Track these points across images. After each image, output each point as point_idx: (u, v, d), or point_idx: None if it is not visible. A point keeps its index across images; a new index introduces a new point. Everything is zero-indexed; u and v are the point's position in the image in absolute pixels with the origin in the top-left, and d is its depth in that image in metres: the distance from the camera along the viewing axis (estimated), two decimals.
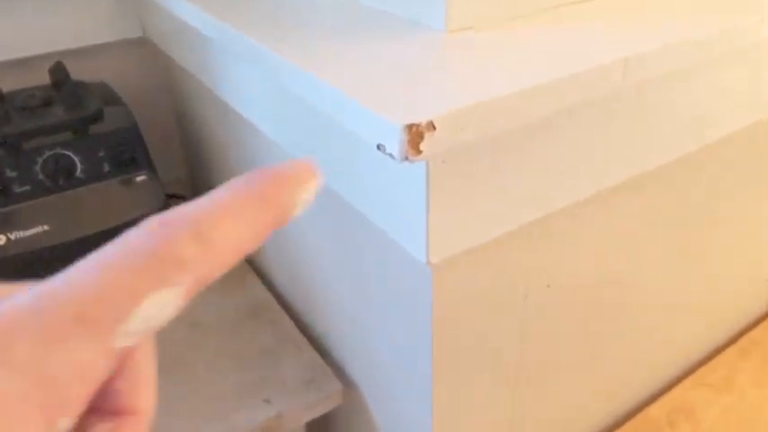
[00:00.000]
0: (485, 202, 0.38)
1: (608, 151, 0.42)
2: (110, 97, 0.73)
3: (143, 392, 0.17)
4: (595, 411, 0.63)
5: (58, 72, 0.71)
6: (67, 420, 0.12)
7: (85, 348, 0.12)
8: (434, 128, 0.29)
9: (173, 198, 0.84)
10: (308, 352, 0.63)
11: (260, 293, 0.71)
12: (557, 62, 0.34)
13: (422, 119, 0.28)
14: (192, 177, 0.89)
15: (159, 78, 0.82)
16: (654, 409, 0.67)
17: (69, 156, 0.65)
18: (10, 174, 0.63)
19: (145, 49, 0.80)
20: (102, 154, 0.66)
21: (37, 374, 0.12)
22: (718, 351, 0.75)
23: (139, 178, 0.68)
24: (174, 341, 0.65)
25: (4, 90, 0.70)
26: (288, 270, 0.68)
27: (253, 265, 0.76)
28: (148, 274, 0.13)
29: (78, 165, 0.65)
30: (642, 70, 0.35)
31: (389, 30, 0.41)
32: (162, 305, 0.13)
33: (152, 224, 0.14)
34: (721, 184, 0.57)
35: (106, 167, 0.66)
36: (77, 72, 0.76)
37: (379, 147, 0.30)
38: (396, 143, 0.28)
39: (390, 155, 0.29)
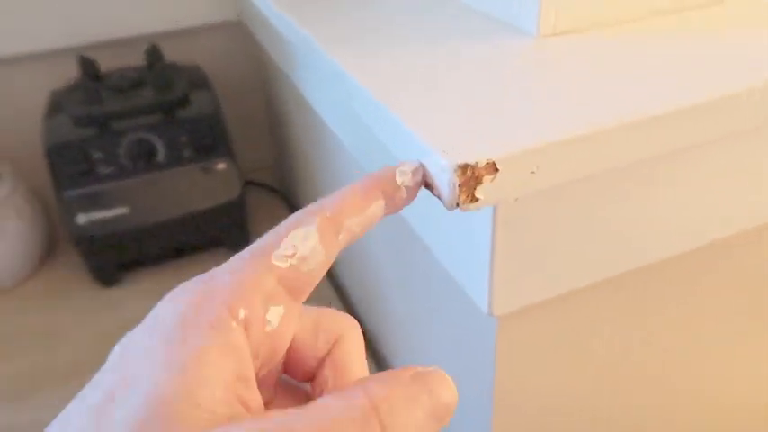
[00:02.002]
0: (564, 252, 0.30)
1: (720, 200, 0.33)
2: (199, 81, 0.70)
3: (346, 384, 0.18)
4: None
5: (153, 54, 0.69)
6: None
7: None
8: (496, 170, 0.22)
9: (253, 185, 0.82)
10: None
11: (329, 294, 0.66)
12: (675, 87, 0.25)
13: (480, 157, 0.21)
14: (278, 166, 0.86)
15: (254, 63, 0.79)
16: None
17: (151, 139, 0.63)
18: (96, 155, 0.62)
19: (242, 33, 0.76)
20: (183, 139, 0.64)
21: None
22: None
23: (218, 166, 0.65)
24: None
25: (104, 69, 0.70)
26: (359, 286, 0.63)
27: (332, 281, 0.72)
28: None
29: (159, 149, 0.63)
30: None
31: (470, 33, 0.33)
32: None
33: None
34: None
35: (186, 153, 0.64)
36: (176, 54, 0.74)
37: (426, 186, 0.23)
38: (445, 186, 0.22)
39: (439, 198, 0.23)
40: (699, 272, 0.37)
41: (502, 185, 0.22)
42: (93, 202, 0.62)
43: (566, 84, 0.26)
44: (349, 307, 0.67)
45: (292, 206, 0.80)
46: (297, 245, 0.18)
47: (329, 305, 0.20)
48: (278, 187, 0.83)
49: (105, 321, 0.64)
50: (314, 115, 0.56)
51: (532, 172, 0.22)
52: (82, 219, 0.62)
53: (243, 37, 0.77)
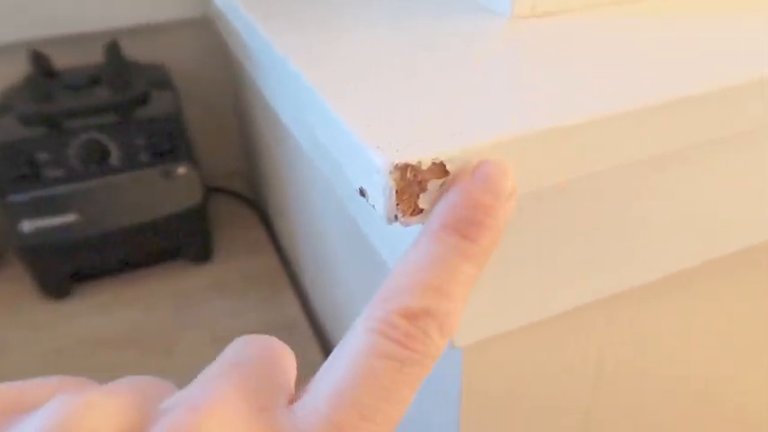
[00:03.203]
0: (534, 275, 0.25)
1: (722, 211, 0.28)
2: (161, 80, 0.65)
3: None
4: None
5: (112, 50, 0.64)
6: None
7: None
8: (446, 172, 0.16)
9: (218, 192, 0.76)
10: None
11: (294, 312, 0.61)
12: (667, 73, 0.21)
13: (424, 156, 0.16)
14: (247, 172, 0.81)
15: (221, 63, 0.74)
16: None
17: (104, 141, 0.57)
18: (43, 156, 0.56)
19: (209, 31, 0.71)
20: (140, 141, 0.58)
21: None
22: None
23: (178, 170, 0.60)
24: (193, 352, 0.56)
25: (61, 67, 0.64)
26: (321, 292, 0.58)
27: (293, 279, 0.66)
28: (412, 381, 0.13)
29: (113, 151, 0.58)
30: None
31: (435, 14, 0.28)
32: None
33: (398, 320, 0.14)
34: None
35: (143, 156, 0.58)
36: (139, 52, 0.69)
37: (361, 192, 0.18)
38: (379, 193, 0.17)
39: (373, 207, 0.17)
40: (690, 294, 0.32)
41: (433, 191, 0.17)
42: (40, 208, 0.56)
43: (536, 70, 0.22)
44: (318, 328, 0.61)
45: (261, 214, 0.75)
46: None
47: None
48: (247, 194, 0.78)
49: (55, 337, 0.58)
50: (276, 119, 0.51)
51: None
52: (27, 226, 0.56)
53: (210, 35, 0.72)
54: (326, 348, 0.58)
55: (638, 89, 0.19)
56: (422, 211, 0.17)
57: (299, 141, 0.44)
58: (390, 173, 0.16)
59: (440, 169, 0.16)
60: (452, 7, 0.29)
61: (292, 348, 0.16)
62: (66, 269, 0.61)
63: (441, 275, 0.14)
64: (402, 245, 0.28)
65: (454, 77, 0.21)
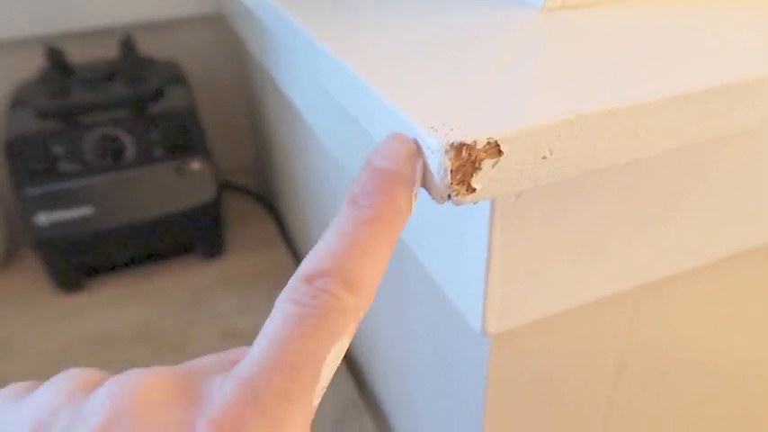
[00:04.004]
0: (570, 261, 0.25)
1: (758, 202, 0.28)
2: (175, 76, 0.65)
3: None
4: None
5: (126, 45, 0.64)
6: None
7: (295, 418, 0.14)
8: (500, 152, 0.17)
9: (232, 188, 0.76)
10: (343, 383, 0.53)
11: None
12: (706, 63, 0.21)
13: (479, 135, 0.16)
14: (258, 168, 0.81)
15: (235, 60, 0.74)
16: None
17: (119, 135, 0.57)
18: (59, 150, 0.56)
19: (223, 27, 0.71)
20: (155, 136, 0.58)
21: None
22: None
23: (192, 166, 0.60)
24: (204, 348, 0.56)
25: (76, 62, 0.64)
26: None
27: None
28: (324, 335, 0.14)
29: (128, 146, 0.58)
30: None
31: (469, 5, 0.28)
32: (338, 353, 0.15)
33: (300, 286, 0.15)
34: None
35: (158, 151, 0.58)
36: (153, 48, 0.69)
37: None
38: (434, 172, 0.17)
39: (425, 188, 0.18)
40: (719, 283, 0.33)
41: (505, 173, 0.17)
42: (56, 202, 0.56)
43: (574, 57, 0.22)
44: None
45: (272, 210, 0.75)
46: (333, 368, 0.15)
47: None
48: (257, 190, 0.78)
49: (67, 331, 0.58)
50: (295, 115, 0.51)
51: (544, 157, 0.17)
52: (42, 219, 0.56)
53: (224, 32, 0.72)
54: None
55: (677, 75, 0.19)
56: (474, 190, 0.17)
57: (318, 135, 0.44)
58: (446, 152, 0.16)
59: (494, 149, 0.17)
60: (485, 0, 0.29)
61: None
62: (79, 263, 0.61)
63: (338, 240, 0.15)
64: (427, 231, 0.28)
65: (494, 62, 0.21)
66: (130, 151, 0.58)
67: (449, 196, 0.17)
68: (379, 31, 0.26)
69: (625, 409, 0.35)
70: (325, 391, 0.15)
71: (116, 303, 0.61)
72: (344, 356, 0.56)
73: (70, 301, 0.61)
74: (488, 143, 0.16)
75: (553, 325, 0.28)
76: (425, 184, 0.17)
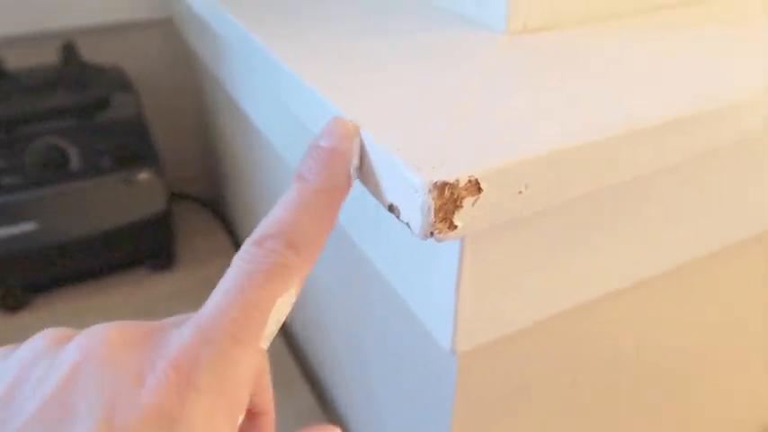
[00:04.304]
0: (536, 280, 0.26)
1: (703, 218, 0.30)
2: (121, 83, 0.63)
3: (268, 397, 0.21)
4: None
5: (68, 51, 0.62)
6: (242, 416, 0.16)
7: (246, 359, 0.16)
8: (480, 190, 0.17)
9: (181, 198, 0.74)
10: (304, 396, 0.52)
11: None
12: (666, 90, 0.22)
13: (461, 174, 0.17)
14: (209, 177, 0.79)
15: (184, 66, 0.72)
16: None
17: (63, 145, 0.55)
18: None
19: (172, 33, 0.69)
20: (101, 146, 0.56)
21: (217, 391, 0.15)
22: None
23: (141, 176, 0.58)
24: None
25: (12, 67, 0.61)
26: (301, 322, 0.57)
27: None
28: (271, 287, 0.16)
29: (73, 156, 0.55)
30: None
31: (433, 31, 0.29)
32: (285, 305, 0.17)
33: (250, 248, 0.17)
34: None
35: (104, 161, 0.56)
36: (96, 54, 0.67)
37: (391, 209, 0.18)
38: (416, 210, 0.17)
39: (407, 225, 0.18)
40: (679, 290, 0.34)
41: (484, 210, 0.18)
42: None
43: (539, 87, 0.22)
44: (293, 344, 0.61)
45: (224, 221, 0.74)
46: (280, 318, 0.17)
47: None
48: (208, 200, 0.76)
49: None
50: (248, 125, 0.50)
51: (520, 192, 0.18)
52: None
53: (172, 37, 0.70)
54: (297, 354, 0.58)
55: (637, 106, 0.21)
56: (456, 227, 0.17)
57: (277, 148, 0.43)
58: (429, 191, 0.16)
59: (475, 187, 0.17)
60: (450, 24, 0.29)
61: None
62: (24, 280, 0.58)
63: (284, 209, 0.18)
64: (395, 251, 0.28)
65: (465, 93, 0.22)
66: (75, 162, 0.56)
67: (431, 233, 0.17)
68: (345, 55, 0.26)
69: (580, 414, 0.37)
70: (272, 338, 0.17)
71: (64, 321, 0.58)
72: (306, 371, 0.56)
73: (14, 321, 0.58)
74: (469, 181, 0.17)
75: (518, 337, 0.29)
76: (408, 221, 0.17)
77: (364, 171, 0.20)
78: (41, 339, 0.18)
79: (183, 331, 0.16)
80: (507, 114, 0.20)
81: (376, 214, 0.28)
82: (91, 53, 0.66)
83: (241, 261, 0.17)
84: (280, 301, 0.16)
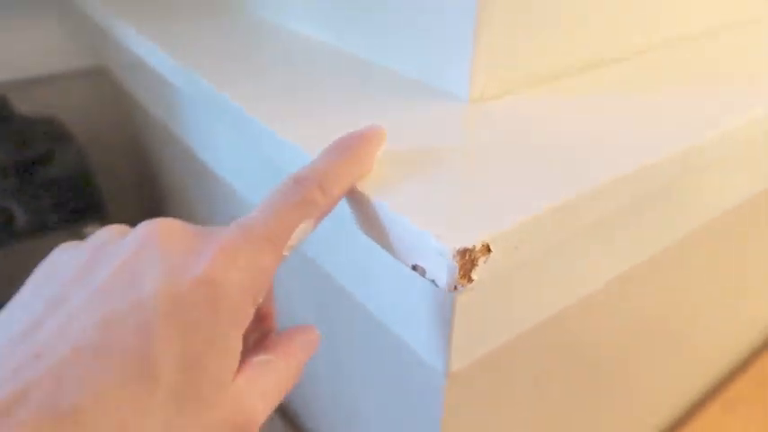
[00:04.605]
0: (514, 305, 0.31)
1: (638, 235, 0.36)
2: (59, 135, 0.62)
3: (272, 303, 0.27)
4: None
5: (1, 106, 0.61)
6: (260, 299, 0.21)
7: (271, 256, 0.21)
8: (489, 251, 0.22)
9: None
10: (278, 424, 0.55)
11: None
12: (612, 151, 0.27)
13: (476, 241, 0.21)
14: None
15: (118, 113, 0.72)
16: None
17: (7, 205, 0.54)
18: None
19: (103, 80, 0.69)
20: (46, 202, 0.56)
21: (251, 272, 0.20)
22: (699, 405, 0.70)
23: (88, 230, 0.58)
24: None
25: None
26: None
27: None
28: (299, 212, 0.21)
29: (19, 215, 0.55)
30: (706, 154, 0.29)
31: (402, 99, 0.33)
32: (304, 230, 0.22)
33: (289, 182, 0.22)
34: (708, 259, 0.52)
35: (51, 218, 0.56)
36: (26, 106, 0.65)
37: (415, 268, 0.22)
38: (443, 271, 0.21)
39: (433, 282, 0.22)
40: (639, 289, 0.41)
41: (491, 264, 0.22)
42: None
43: (514, 151, 0.27)
44: None
45: None
46: (301, 238, 0.22)
47: None
48: None
49: None
50: (201, 167, 0.52)
51: (516, 248, 0.23)
52: None
53: (106, 85, 0.70)
54: None
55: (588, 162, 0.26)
56: (473, 280, 0.22)
57: (242, 193, 0.46)
58: (454, 257, 0.21)
59: (486, 249, 0.21)
60: (414, 93, 0.34)
61: None
62: None
63: (322, 160, 0.23)
64: (380, 283, 0.32)
65: (454, 165, 0.26)
66: (21, 221, 0.55)
67: (455, 287, 0.21)
68: (313, 119, 0.30)
69: (558, 412, 0.42)
70: (291, 251, 0.21)
71: None
72: (282, 408, 0.58)
73: None
74: (483, 245, 0.21)
75: (501, 350, 0.33)
76: (435, 279, 0.22)
77: (376, 230, 0.24)
78: (107, 231, 0.22)
79: (229, 228, 0.20)
80: (492, 181, 0.25)
81: (367, 257, 0.32)
82: (25, 106, 0.65)
83: (279, 190, 0.22)
84: (302, 225, 0.21)
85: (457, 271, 0.21)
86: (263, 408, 0.21)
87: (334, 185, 0.23)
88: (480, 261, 0.21)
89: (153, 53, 0.42)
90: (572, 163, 0.26)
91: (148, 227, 0.21)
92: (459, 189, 0.25)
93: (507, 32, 0.31)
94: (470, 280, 0.21)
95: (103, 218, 0.58)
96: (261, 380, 0.21)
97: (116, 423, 0.17)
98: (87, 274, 0.20)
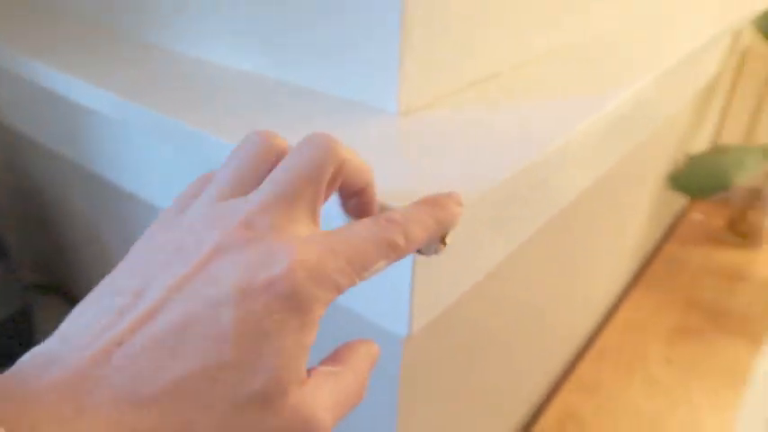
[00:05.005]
0: (458, 266, 0.38)
1: (534, 207, 0.45)
2: None
3: (366, 175, 0.25)
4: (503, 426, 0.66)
5: None
6: (323, 311, 0.20)
7: (347, 280, 0.21)
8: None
9: (41, 290, 0.70)
10: None
11: None
12: (518, 146, 0.36)
13: None
14: (57, 259, 0.76)
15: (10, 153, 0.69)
16: (547, 420, 0.72)
17: None
18: None
19: None
20: None
21: (327, 291, 0.20)
22: (578, 357, 0.83)
23: None
24: None
25: None
26: None
27: None
28: (382, 250, 0.22)
29: None
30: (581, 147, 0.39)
31: (343, 114, 0.39)
32: (381, 266, 0.22)
33: (382, 218, 0.23)
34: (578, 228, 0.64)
35: None
36: None
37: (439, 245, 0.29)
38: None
39: (418, 252, 0.28)
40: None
41: (452, 234, 0.29)
42: None
43: (441, 151, 0.35)
44: None
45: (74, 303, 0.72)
46: (374, 273, 0.23)
47: None
48: (59, 285, 0.73)
49: None
50: (110, 190, 0.53)
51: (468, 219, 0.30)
52: None
53: None
54: None
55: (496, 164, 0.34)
56: (446, 244, 0.28)
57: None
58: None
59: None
60: (350, 111, 0.40)
61: None
62: None
63: (413, 210, 0.24)
64: None
65: (402, 155, 0.33)
66: None
67: (435, 251, 0.28)
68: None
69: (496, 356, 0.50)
70: (366, 277, 0.22)
71: None
72: None
73: None
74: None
75: (452, 310, 0.40)
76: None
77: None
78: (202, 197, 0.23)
79: (313, 235, 0.21)
80: (434, 166, 0.32)
81: None
82: None
83: (370, 220, 0.22)
84: (381, 261, 0.22)
85: (436, 239, 0.27)
86: (329, 419, 0.20)
87: (416, 234, 0.23)
88: (450, 230, 0.28)
89: (76, 86, 0.44)
90: (483, 160, 0.34)
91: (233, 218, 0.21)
92: (417, 179, 0.31)
93: (427, 56, 0.38)
94: (445, 243, 0.28)
95: (6, 261, 0.56)
96: (328, 391, 0.21)
97: (182, 417, 0.18)
98: (172, 264, 0.20)
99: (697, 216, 1.20)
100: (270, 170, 0.23)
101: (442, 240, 0.28)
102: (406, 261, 0.34)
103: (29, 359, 0.18)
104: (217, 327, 0.18)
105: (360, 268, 0.21)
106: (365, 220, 0.22)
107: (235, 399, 0.18)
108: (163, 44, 0.51)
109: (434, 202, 0.25)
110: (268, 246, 0.20)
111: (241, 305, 0.19)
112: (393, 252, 0.22)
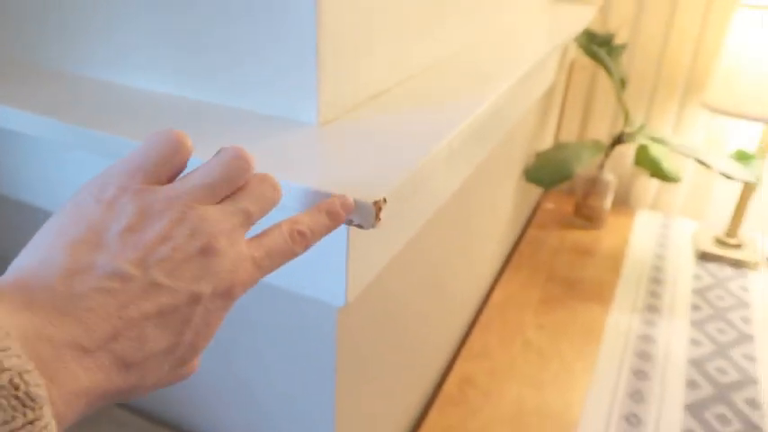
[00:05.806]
0: (382, 242, 0.47)
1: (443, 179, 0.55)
2: None
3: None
4: (417, 394, 0.76)
5: None
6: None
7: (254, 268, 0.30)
8: (385, 201, 0.37)
9: None
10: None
11: None
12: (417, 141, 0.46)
13: (379, 195, 0.37)
14: None
15: None
16: (449, 385, 0.83)
17: None
18: None
19: None
20: None
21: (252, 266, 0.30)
22: (469, 329, 0.96)
23: None
24: None
25: None
26: None
27: None
28: (285, 256, 0.32)
29: None
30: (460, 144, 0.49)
31: (263, 129, 0.46)
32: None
33: (285, 228, 0.32)
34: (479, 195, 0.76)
35: None
36: None
37: (349, 222, 0.37)
38: (368, 217, 0.36)
39: (359, 225, 0.36)
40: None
41: (384, 210, 0.38)
42: None
43: (349, 150, 0.43)
44: None
45: None
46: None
47: None
48: None
49: None
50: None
51: (396, 199, 0.39)
52: None
53: None
54: None
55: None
56: (380, 219, 0.37)
57: None
58: (373, 206, 0.36)
59: (383, 201, 0.37)
60: (273, 125, 0.47)
61: None
62: None
63: (311, 215, 0.34)
64: None
65: (330, 154, 0.41)
66: None
67: (373, 226, 0.36)
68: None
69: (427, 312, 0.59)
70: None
71: None
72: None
73: None
74: (383, 199, 0.37)
75: (373, 286, 0.49)
76: (361, 222, 0.36)
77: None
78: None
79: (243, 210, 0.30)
80: (360, 162, 0.41)
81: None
82: None
83: (283, 226, 0.32)
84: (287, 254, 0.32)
85: (374, 215, 0.36)
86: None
87: (314, 234, 0.33)
88: (384, 208, 0.37)
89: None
90: (395, 151, 0.44)
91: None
92: (344, 169, 0.40)
93: (337, 76, 0.47)
94: (379, 219, 0.37)
95: None
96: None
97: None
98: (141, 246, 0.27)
99: (549, 205, 1.39)
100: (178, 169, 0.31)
101: (377, 216, 0.37)
102: (341, 247, 0.42)
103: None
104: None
105: (266, 266, 0.31)
106: (278, 224, 0.32)
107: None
108: (70, 69, 0.54)
109: (326, 208, 0.34)
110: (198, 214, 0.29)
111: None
112: (292, 255, 0.32)
